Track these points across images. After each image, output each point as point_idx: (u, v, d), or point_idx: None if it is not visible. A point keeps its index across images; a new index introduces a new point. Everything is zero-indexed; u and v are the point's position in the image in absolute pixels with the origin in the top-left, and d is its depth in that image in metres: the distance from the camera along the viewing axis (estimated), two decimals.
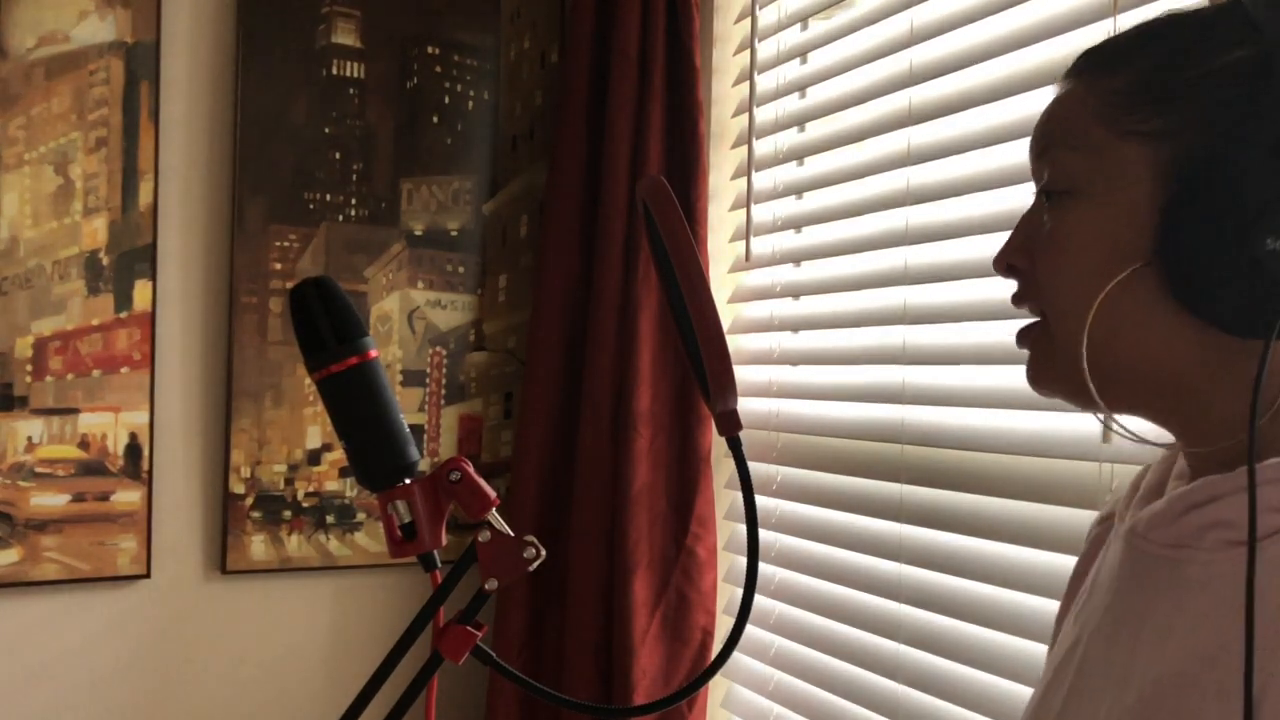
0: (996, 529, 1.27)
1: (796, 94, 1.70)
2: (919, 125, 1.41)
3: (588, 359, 1.76)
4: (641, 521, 1.69)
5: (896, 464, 1.43)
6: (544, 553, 0.73)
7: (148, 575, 1.74)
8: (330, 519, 1.85)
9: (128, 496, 1.72)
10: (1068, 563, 1.17)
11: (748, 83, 1.74)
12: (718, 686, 1.77)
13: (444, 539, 0.76)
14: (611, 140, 1.74)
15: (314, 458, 1.83)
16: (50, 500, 1.68)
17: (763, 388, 1.70)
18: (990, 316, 1.29)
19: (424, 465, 1.87)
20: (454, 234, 1.93)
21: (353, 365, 0.74)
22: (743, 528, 1.71)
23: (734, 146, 1.82)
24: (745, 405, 1.71)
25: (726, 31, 1.84)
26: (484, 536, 0.73)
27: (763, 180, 1.73)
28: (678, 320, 0.70)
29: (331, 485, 1.85)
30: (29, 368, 1.66)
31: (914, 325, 1.41)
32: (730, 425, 0.67)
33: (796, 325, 1.67)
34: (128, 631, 1.75)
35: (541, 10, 2.00)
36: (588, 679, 1.73)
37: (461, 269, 1.93)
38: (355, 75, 1.85)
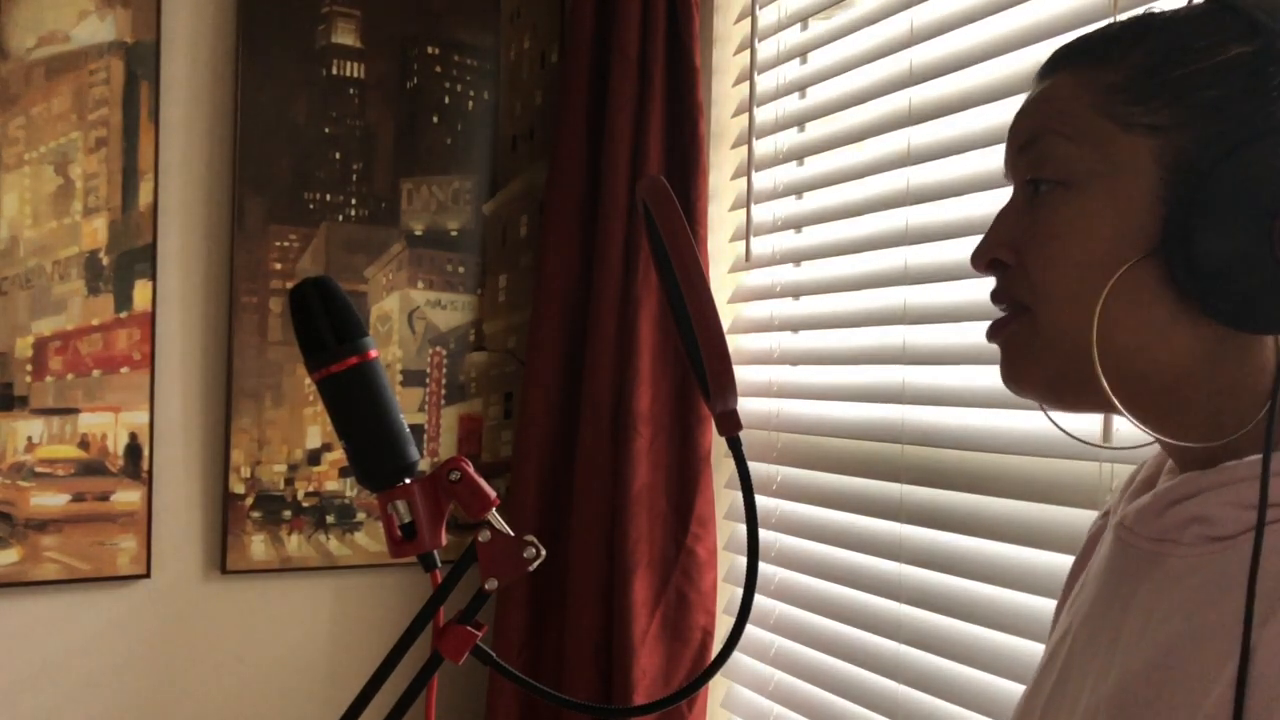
0: (996, 529, 1.27)
1: (796, 94, 1.70)
2: (919, 125, 1.41)
3: (588, 359, 1.76)
4: (641, 521, 1.69)
5: (896, 464, 1.43)
6: (544, 553, 0.73)
7: (148, 575, 1.74)
8: (330, 519, 1.85)
9: (128, 496, 1.72)
10: (1068, 563, 1.17)
11: (748, 83, 1.74)
12: (718, 686, 1.77)
13: (444, 539, 0.76)
14: (611, 140, 1.74)
15: (314, 458, 1.83)
16: (50, 500, 1.68)
17: (763, 388, 1.70)
18: (990, 317, 1.28)
19: (424, 465, 1.87)
20: (454, 234, 1.93)
21: (353, 365, 0.74)
22: (743, 528, 1.71)
23: (734, 146, 1.82)
24: (745, 405, 1.71)
25: (726, 31, 1.84)
26: (484, 536, 0.73)
27: (763, 180, 1.73)
28: (678, 320, 0.70)
29: (331, 485, 1.85)
30: (29, 368, 1.66)
31: (914, 325, 1.41)
32: (730, 425, 0.67)
33: (796, 325, 1.67)
34: (128, 631, 1.75)
35: (541, 10, 2.00)
36: (588, 679, 1.73)
37: (461, 269, 1.93)
38: (355, 75, 1.85)
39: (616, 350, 1.74)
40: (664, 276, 0.70)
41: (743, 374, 1.73)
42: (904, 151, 1.43)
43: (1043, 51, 1.23)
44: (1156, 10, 0.66)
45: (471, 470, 0.74)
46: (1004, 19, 1.30)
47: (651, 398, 1.71)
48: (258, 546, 1.80)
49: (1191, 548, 0.62)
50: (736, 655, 1.70)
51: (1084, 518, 1.16)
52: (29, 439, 1.66)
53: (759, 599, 1.66)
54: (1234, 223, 0.59)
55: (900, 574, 1.41)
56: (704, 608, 1.71)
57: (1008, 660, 1.25)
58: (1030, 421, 1.24)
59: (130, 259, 1.71)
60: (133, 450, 1.72)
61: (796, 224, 1.68)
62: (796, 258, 1.67)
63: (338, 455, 1.84)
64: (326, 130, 1.83)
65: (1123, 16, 1.11)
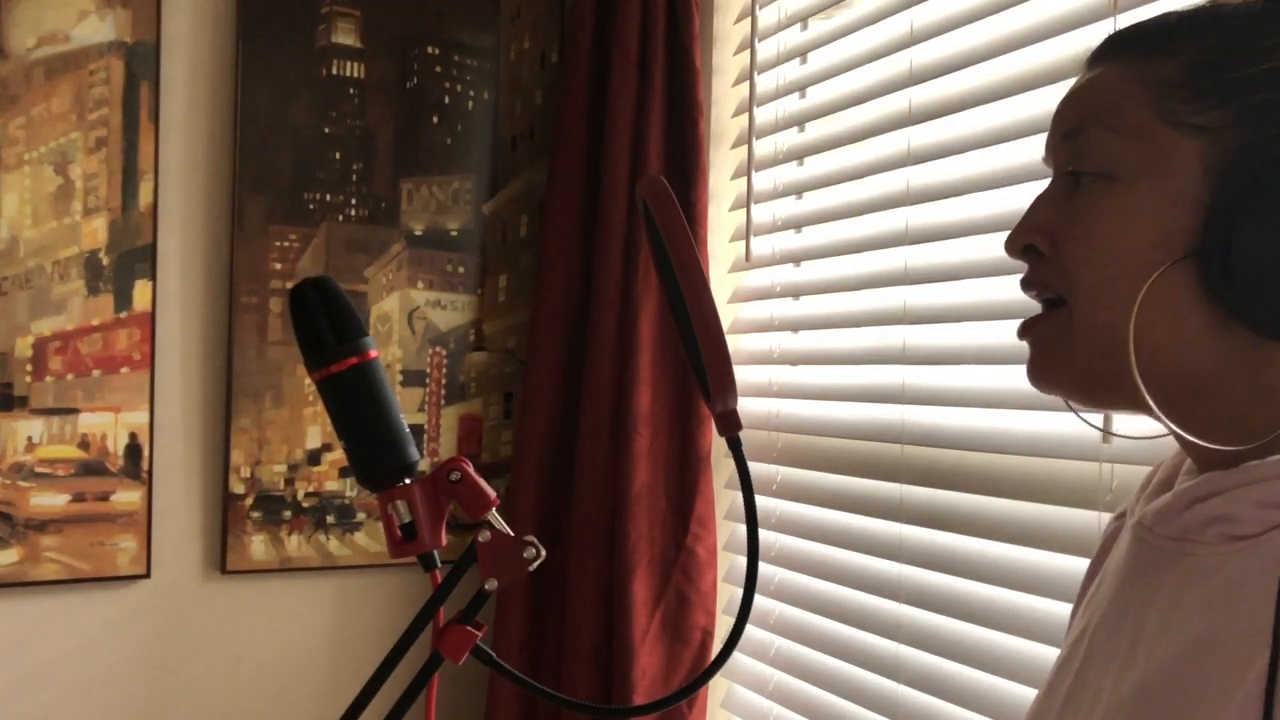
0: (996, 529, 1.27)
1: (796, 94, 1.70)
2: (919, 125, 1.41)
3: (588, 359, 1.76)
4: (641, 521, 1.69)
5: (896, 464, 1.43)
6: (544, 553, 0.73)
7: (147, 575, 1.74)
8: (330, 519, 1.85)
9: (128, 496, 1.72)
10: (1068, 563, 1.18)
11: (748, 83, 1.74)
12: (718, 686, 1.77)
13: (444, 539, 0.76)
14: (611, 140, 1.74)
15: (314, 458, 1.83)
16: (50, 500, 1.68)
17: (763, 388, 1.70)
18: (990, 316, 1.29)
19: (424, 465, 1.87)
20: (454, 234, 1.93)
21: (352, 365, 0.74)
22: (743, 528, 1.71)
23: (734, 146, 1.82)
24: (745, 405, 1.71)
25: (726, 31, 1.84)
26: (484, 536, 0.73)
27: (763, 180, 1.73)
28: (678, 320, 0.70)
29: (331, 485, 1.85)
30: (29, 368, 1.66)
31: (914, 325, 1.41)
32: (730, 425, 0.67)
33: (796, 325, 1.67)
34: (127, 631, 1.75)
35: (541, 10, 2.00)
36: (588, 679, 1.73)
37: (461, 269, 1.93)
38: (355, 75, 1.85)
39: (616, 350, 1.74)
40: (664, 276, 0.70)
41: (743, 374, 1.73)
42: (904, 151, 1.43)
43: (1042, 52, 1.24)
44: (1221, 3, 0.65)
45: (471, 470, 0.74)
46: (1004, 19, 1.30)
47: (651, 398, 1.71)
48: (258, 546, 1.80)
49: (1213, 546, 0.62)
50: (736, 655, 1.70)
51: (1084, 518, 1.16)
52: (29, 439, 1.66)
53: (759, 599, 1.66)
54: (1274, 231, 0.58)
55: (900, 574, 1.41)
56: (704, 608, 1.71)
57: (1008, 660, 1.25)
58: (1030, 422, 1.24)
59: (130, 259, 1.71)
60: (133, 450, 1.72)
61: (796, 224, 1.68)
62: (796, 258, 1.67)
63: (338, 455, 1.84)
64: (326, 130, 1.83)
65: (1122, 17, 1.12)
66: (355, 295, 1.85)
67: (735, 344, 1.76)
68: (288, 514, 1.82)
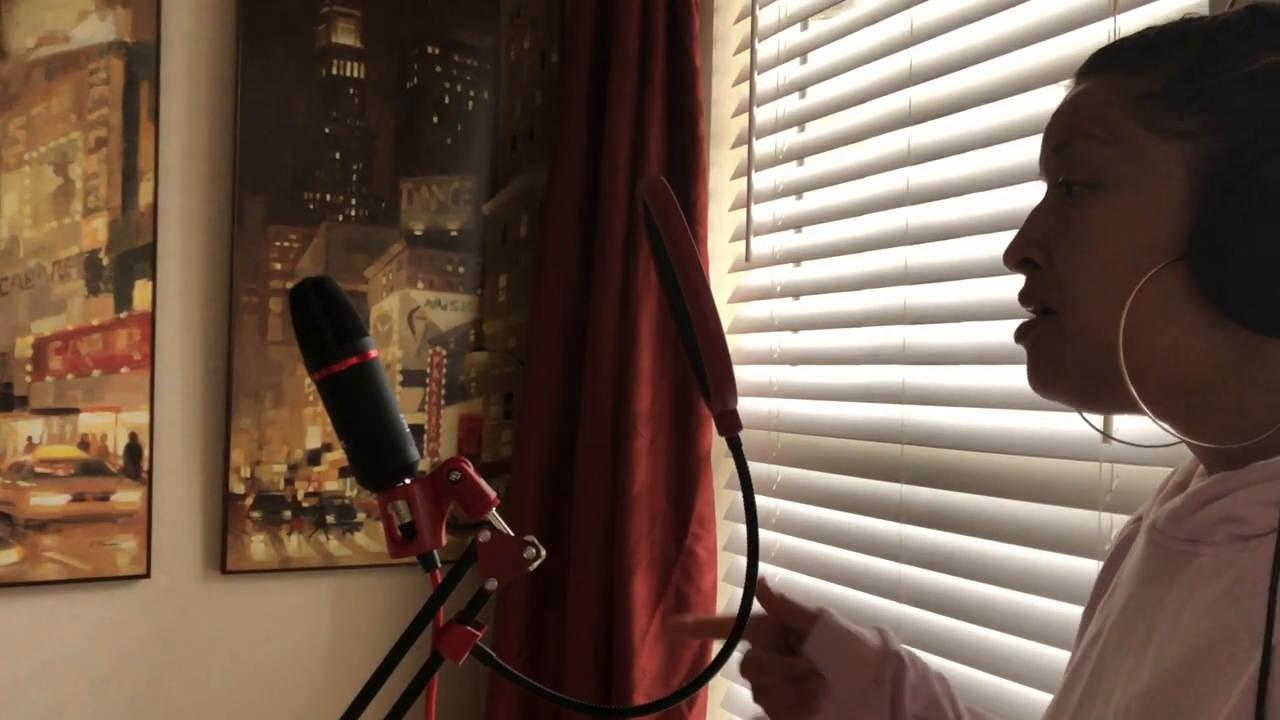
0: (996, 529, 1.27)
1: (796, 94, 1.70)
2: (919, 125, 1.41)
3: (588, 359, 1.76)
4: (641, 521, 1.69)
5: (896, 464, 1.43)
6: (544, 553, 0.73)
7: (147, 575, 1.74)
8: (330, 519, 1.85)
9: (128, 496, 1.72)
10: (1067, 562, 1.18)
11: (748, 83, 1.74)
12: (718, 686, 1.77)
13: (444, 539, 0.75)
14: (611, 140, 1.74)
15: (314, 458, 1.83)
16: (50, 500, 1.68)
17: (763, 388, 1.70)
18: (990, 316, 1.29)
19: (424, 465, 1.87)
20: (454, 234, 1.93)
21: (353, 365, 0.74)
22: (743, 528, 1.71)
23: (734, 146, 1.82)
24: (745, 405, 1.71)
25: (726, 31, 1.84)
26: (484, 536, 0.73)
27: (763, 180, 1.73)
28: (678, 320, 0.70)
29: (331, 485, 1.85)
30: (29, 368, 1.66)
31: (914, 325, 1.41)
32: (730, 425, 0.67)
33: (796, 325, 1.67)
34: (128, 631, 1.75)
35: (541, 10, 1.99)
36: (588, 679, 1.73)
37: (461, 269, 1.93)
38: (355, 75, 1.85)
39: (616, 350, 1.74)
40: (664, 276, 0.70)
41: (743, 374, 1.73)
42: (904, 151, 1.43)
43: (1042, 52, 1.24)
44: (1200, 15, 0.67)
45: (471, 470, 0.74)
46: (1004, 19, 1.30)
47: (651, 398, 1.71)
48: (258, 546, 1.80)
49: (1223, 547, 0.63)
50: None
51: (1084, 518, 1.16)
52: (29, 439, 1.66)
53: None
54: (1261, 230, 0.59)
55: (900, 574, 1.41)
56: (704, 608, 1.71)
57: (1008, 660, 1.25)
58: (1030, 422, 1.24)
59: (130, 259, 1.71)
60: (133, 450, 1.72)
61: (796, 224, 1.68)
62: (796, 258, 1.67)
63: (338, 455, 1.84)
64: (326, 130, 1.83)
65: (1122, 17, 1.12)
66: (355, 295, 1.85)
67: (735, 344, 1.76)
68: (288, 514, 1.82)
